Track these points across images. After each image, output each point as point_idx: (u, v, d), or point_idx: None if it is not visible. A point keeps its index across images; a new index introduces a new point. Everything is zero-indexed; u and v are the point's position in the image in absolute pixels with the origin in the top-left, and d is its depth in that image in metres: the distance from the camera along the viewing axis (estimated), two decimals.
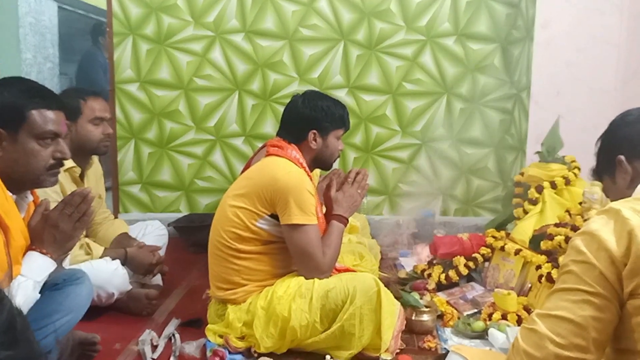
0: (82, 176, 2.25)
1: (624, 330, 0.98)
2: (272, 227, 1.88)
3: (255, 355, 1.84)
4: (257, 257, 1.90)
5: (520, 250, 2.32)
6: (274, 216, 1.87)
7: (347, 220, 1.99)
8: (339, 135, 2.02)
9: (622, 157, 1.15)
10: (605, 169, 1.21)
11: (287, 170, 1.87)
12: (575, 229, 2.17)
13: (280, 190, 1.83)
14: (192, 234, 3.04)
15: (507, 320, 2.04)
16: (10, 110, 1.37)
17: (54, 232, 1.41)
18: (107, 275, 2.10)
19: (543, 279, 2.13)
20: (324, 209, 2.04)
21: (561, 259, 2.05)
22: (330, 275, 1.89)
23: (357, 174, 2.05)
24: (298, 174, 1.88)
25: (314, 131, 1.96)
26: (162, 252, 2.41)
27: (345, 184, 2.03)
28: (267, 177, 1.87)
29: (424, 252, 2.78)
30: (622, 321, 0.97)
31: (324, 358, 1.77)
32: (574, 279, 0.98)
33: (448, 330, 2.09)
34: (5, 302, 0.55)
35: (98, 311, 2.08)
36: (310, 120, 1.95)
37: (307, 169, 1.95)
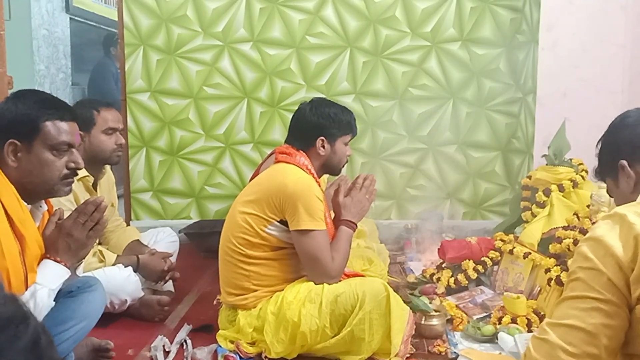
0: (95, 185, 2.28)
1: (632, 336, 0.97)
2: (282, 233, 1.90)
3: None
4: (266, 262, 1.92)
5: (529, 253, 2.32)
6: (283, 222, 1.89)
7: (356, 226, 2.01)
8: (347, 141, 2.04)
9: (625, 162, 1.14)
10: (607, 171, 1.20)
11: (296, 176, 1.90)
12: (583, 231, 2.17)
13: (289, 197, 1.85)
14: (202, 240, 3.06)
15: (516, 323, 2.04)
16: (25, 121, 1.40)
17: (68, 240, 1.44)
18: (120, 282, 2.13)
19: (552, 282, 2.13)
20: (333, 215, 2.06)
21: (570, 262, 2.05)
22: (340, 280, 1.91)
23: (365, 179, 2.07)
24: (306, 180, 1.90)
25: (322, 138, 1.98)
26: (173, 259, 2.43)
27: (353, 189, 2.04)
28: (276, 183, 1.89)
29: (432, 257, 2.79)
30: (631, 326, 0.97)
31: None
32: (582, 286, 0.98)
33: (458, 334, 2.08)
34: (31, 321, 0.56)
35: (111, 318, 2.10)
36: (318, 127, 1.98)
37: (315, 175, 1.97)
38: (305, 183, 1.88)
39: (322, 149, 1.98)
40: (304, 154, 1.98)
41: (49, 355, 0.56)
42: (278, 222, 1.89)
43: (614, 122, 1.21)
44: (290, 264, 1.94)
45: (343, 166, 2.08)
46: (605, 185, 1.26)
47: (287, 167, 1.94)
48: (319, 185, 1.96)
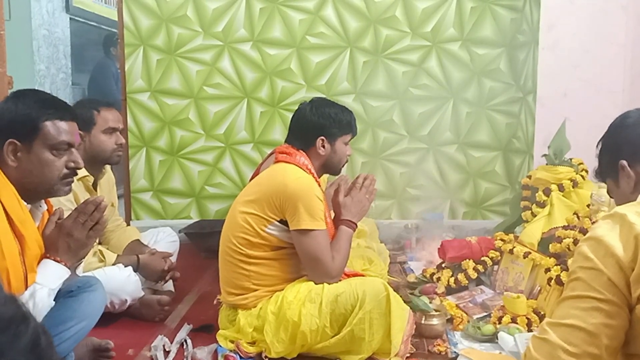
0: (95, 185, 2.29)
1: (632, 335, 0.97)
2: (282, 232, 1.90)
3: None
4: (267, 262, 1.92)
5: (529, 253, 2.32)
6: (283, 222, 1.89)
7: (356, 225, 2.01)
8: (347, 141, 2.04)
9: (625, 162, 1.14)
10: (607, 172, 1.20)
11: (296, 176, 1.90)
12: (583, 231, 2.17)
13: (290, 196, 1.85)
14: (203, 240, 3.06)
15: (516, 323, 2.04)
16: (25, 121, 1.40)
17: (67, 240, 1.44)
18: (120, 282, 2.13)
19: (552, 281, 2.13)
20: (333, 215, 2.06)
21: (570, 262, 2.05)
22: (340, 280, 1.91)
23: (365, 179, 2.07)
24: (307, 180, 1.90)
25: (322, 138, 1.98)
26: (173, 259, 2.43)
27: (353, 189, 2.04)
28: (277, 183, 1.89)
29: (432, 256, 2.79)
30: (631, 326, 0.97)
31: None
32: (582, 285, 0.98)
33: (458, 334, 2.08)
34: (30, 321, 0.56)
35: (111, 318, 2.10)
36: (318, 127, 1.98)
37: (315, 175, 1.97)
38: (305, 183, 1.88)
39: (322, 148, 1.99)
40: (304, 153, 1.98)
41: (49, 356, 0.56)
42: (278, 221, 1.89)
43: (614, 123, 1.21)
44: (290, 263, 1.94)
45: (343, 166, 2.08)
46: (605, 185, 1.26)
47: (287, 167, 1.94)
48: (319, 185, 1.96)
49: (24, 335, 0.54)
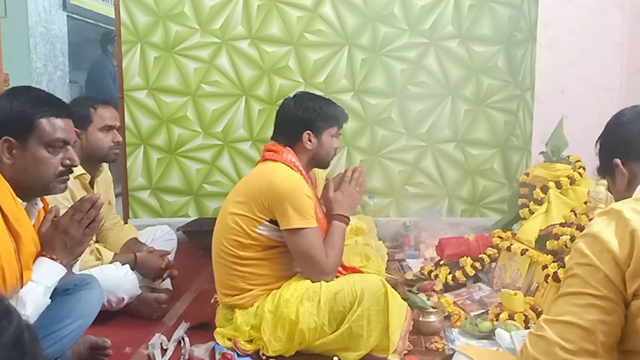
0: (92, 183, 2.28)
1: (628, 332, 0.98)
2: (272, 232, 1.89)
3: (264, 357, 1.85)
4: (259, 262, 1.91)
5: (527, 250, 2.32)
6: (274, 222, 1.87)
7: (349, 219, 2.00)
8: (333, 133, 2.03)
9: (618, 161, 1.15)
10: (605, 170, 1.22)
11: (284, 175, 1.88)
12: (580, 228, 2.17)
13: (278, 196, 1.84)
14: (201, 238, 3.06)
15: (514, 320, 2.04)
16: (20, 119, 1.40)
17: (63, 238, 1.43)
18: (117, 280, 2.13)
19: (549, 278, 2.13)
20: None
21: (567, 259, 2.05)
22: (336, 276, 1.90)
23: (354, 171, 2.06)
24: (295, 178, 1.89)
25: (308, 132, 1.97)
26: (171, 257, 2.43)
27: (342, 183, 2.04)
28: (264, 183, 1.88)
29: (430, 254, 2.79)
30: (627, 322, 0.97)
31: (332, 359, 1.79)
32: (579, 282, 0.98)
33: (455, 331, 2.09)
34: (13, 316, 0.56)
35: (108, 316, 2.10)
36: (303, 121, 1.97)
37: (303, 171, 1.95)
38: (293, 182, 1.87)
39: (309, 142, 1.98)
40: (291, 150, 1.97)
41: (33, 351, 0.55)
42: (268, 221, 1.88)
43: (610, 122, 1.23)
44: (282, 262, 1.93)
45: (331, 159, 2.07)
46: (602, 181, 1.27)
47: (274, 166, 1.93)
48: (308, 183, 1.95)
49: (7, 331, 0.54)
